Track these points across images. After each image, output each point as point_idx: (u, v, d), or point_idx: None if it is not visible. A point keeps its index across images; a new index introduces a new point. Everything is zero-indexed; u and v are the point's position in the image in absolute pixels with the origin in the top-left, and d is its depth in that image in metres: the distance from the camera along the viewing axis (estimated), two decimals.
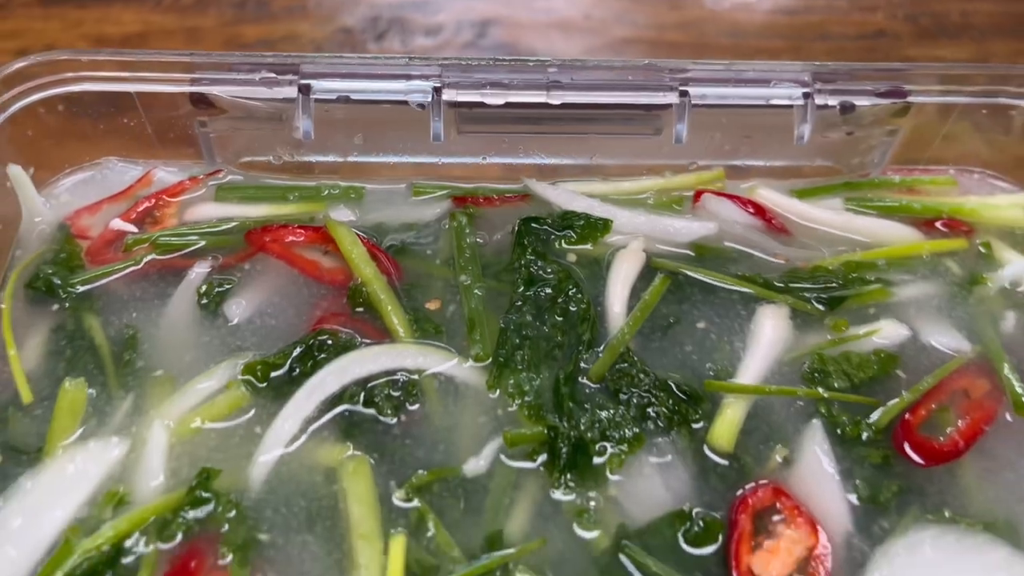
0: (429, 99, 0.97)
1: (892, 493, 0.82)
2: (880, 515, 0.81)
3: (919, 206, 1.03)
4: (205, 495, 0.77)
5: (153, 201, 0.99)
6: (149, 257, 0.94)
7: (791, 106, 1.00)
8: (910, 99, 1.00)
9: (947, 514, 0.81)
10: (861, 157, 1.06)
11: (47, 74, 0.95)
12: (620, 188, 1.04)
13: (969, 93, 1.01)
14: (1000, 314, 0.95)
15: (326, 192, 1.02)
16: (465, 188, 1.03)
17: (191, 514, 0.76)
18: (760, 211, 1.01)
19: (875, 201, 1.04)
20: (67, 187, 1.01)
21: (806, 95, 0.99)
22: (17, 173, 0.95)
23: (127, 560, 0.74)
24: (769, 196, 1.03)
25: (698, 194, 1.03)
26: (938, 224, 1.02)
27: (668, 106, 0.99)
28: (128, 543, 0.75)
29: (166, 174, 1.02)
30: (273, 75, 0.96)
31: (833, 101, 0.99)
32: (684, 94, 0.98)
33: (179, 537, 0.76)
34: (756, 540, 0.78)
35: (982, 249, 1.01)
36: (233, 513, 0.77)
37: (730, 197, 1.02)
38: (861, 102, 1.00)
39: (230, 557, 0.75)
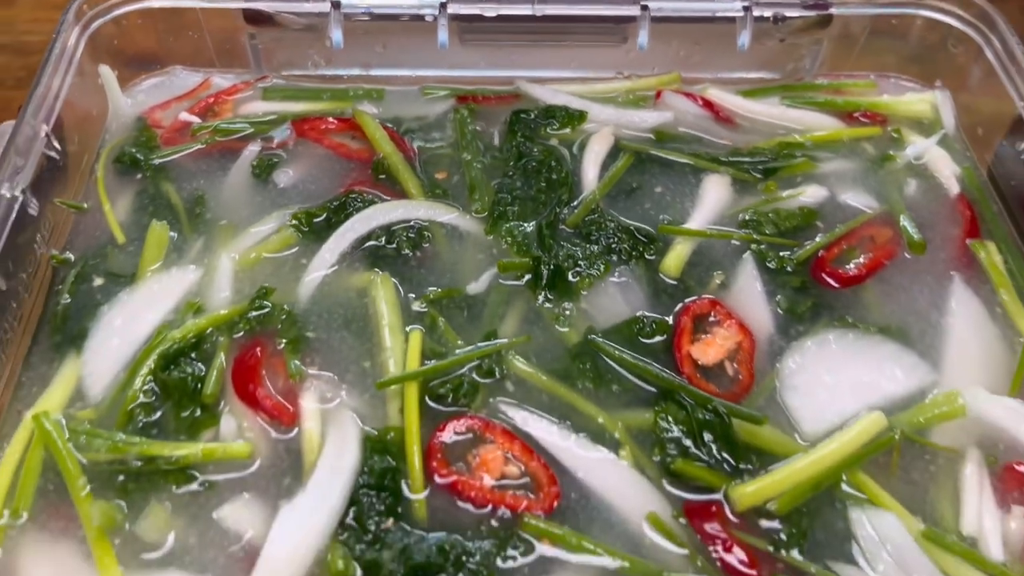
0: (437, 12, 1.19)
1: (807, 307, 1.02)
2: (796, 323, 1.01)
3: (842, 101, 1.25)
4: (264, 303, 0.99)
5: (213, 99, 1.21)
6: (211, 140, 1.16)
7: (734, 18, 1.22)
8: (832, 11, 1.22)
9: (850, 320, 1.01)
10: (795, 63, 1.28)
11: None
12: (594, 89, 1.26)
13: (881, 4, 1.22)
14: (904, 181, 1.16)
15: (352, 93, 1.24)
16: (467, 89, 1.25)
17: (253, 315, 0.98)
18: (709, 105, 1.23)
19: (807, 99, 1.26)
20: (143, 89, 1.24)
21: (746, 8, 1.21)
22: (107, 73, 1.17)
23: (206, 346, 0.96)
24: (717, 94, 1.25)
25: (658, 93, 1.25)
26: (857, 115, 1.24)
27: (632, 18, 1.21)
28: (206, 334, 0.97)
29: (222, 80, 1.25)
30: None
31: (768, 13, 1.21)
32: (645, 8, 1.20)
33: (244, 332, 0.97)
34: (695, 336, 0.99)
35: (894, 135, 1.22)
36: (285, 316, 0.98)
37: (685, 94, 1.24)
38: (791, 13, 1.22)
39: (283, 344, 0.96)
